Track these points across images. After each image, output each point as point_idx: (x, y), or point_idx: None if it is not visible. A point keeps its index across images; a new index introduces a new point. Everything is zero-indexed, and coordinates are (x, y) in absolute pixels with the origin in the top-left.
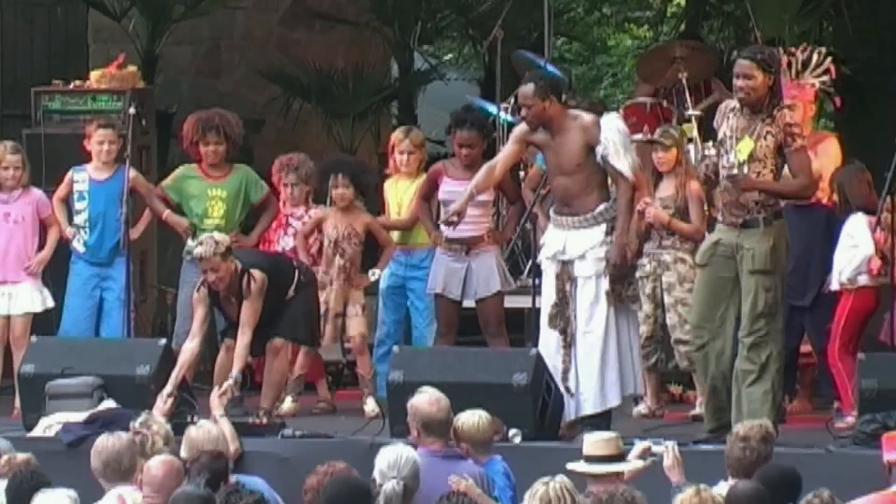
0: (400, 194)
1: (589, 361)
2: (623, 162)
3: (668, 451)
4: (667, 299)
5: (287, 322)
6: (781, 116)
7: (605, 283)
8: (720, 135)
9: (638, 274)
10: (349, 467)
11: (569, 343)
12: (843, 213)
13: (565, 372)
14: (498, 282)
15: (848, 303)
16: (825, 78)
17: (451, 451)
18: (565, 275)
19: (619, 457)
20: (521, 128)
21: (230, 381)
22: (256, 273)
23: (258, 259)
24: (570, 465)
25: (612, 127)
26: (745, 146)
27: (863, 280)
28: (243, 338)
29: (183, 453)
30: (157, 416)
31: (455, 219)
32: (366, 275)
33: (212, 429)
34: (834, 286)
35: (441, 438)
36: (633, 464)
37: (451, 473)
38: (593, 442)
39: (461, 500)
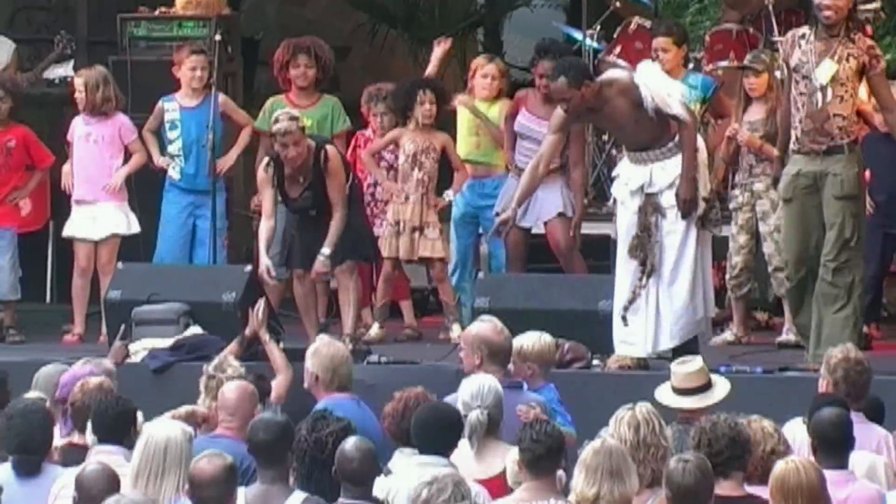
0: (473, 125)
1: (673, 293)
2: (674, 106)
3: None
4: (762, 227)
5: (349, 242)
6: (860, 39)
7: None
8: (793, 62)
9: (731, 205)
10: (426, 392)
11: (646, 274)
12: None
13: (630, 301)
14: (560, 204)
15: None
16: (875, 5)
17: (513, 380)
18: (650, 206)
19: (707, 386)
20: (559, 115)
21: (320, 261)
22: (331, 149)
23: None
24: (660, 398)
25: (647, 77)
26: (828, 69)
27: None
28: (337, 213)
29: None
30: (231, 360)
31: (503, 228)
32: (441, 197)
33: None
34: None
35: (503, 368)
36: (719, 393)
37: (516, 403)
38: (683, 374)
39: (544, 428)
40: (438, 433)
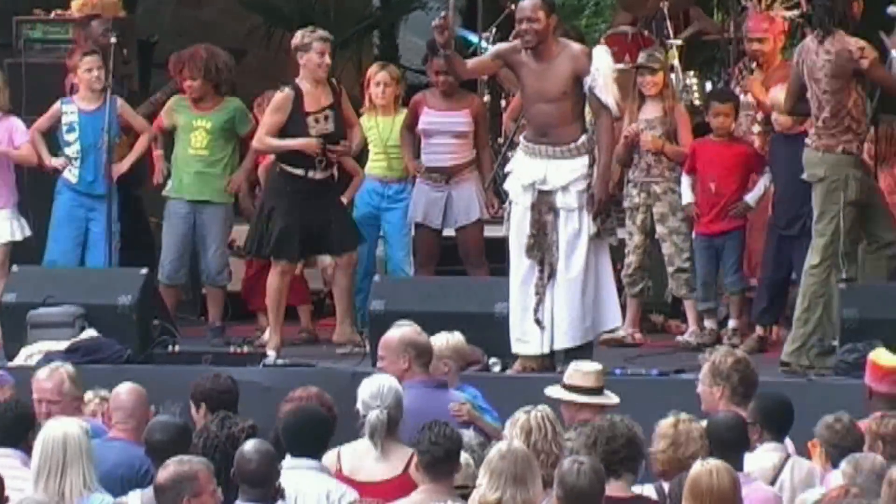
0: (385, 133)
1: (569, 294)
2: (610, 96)
3: None
4: (660, 229)
5: (345, 232)
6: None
7: (587, 217)
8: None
9: (626, 204)
10: (322, 392)
11: (546, 275)
12: None
13: (538, 304)
14: (478, 210)
15: None
16: (796, 11)
17: (438, 380)
18: (544, 205)
19: (600, 391)
20: (503, 45)
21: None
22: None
23: None
24: (549, 391)
25: (603, 60)
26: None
27: None
28: (354, 130)
29: None
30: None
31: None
32: None
33: None
34: None
35: (427, 368)
36: (611, 398)
37: (444, 402)
38: (576, 372)
39: (443, 430)
40: (306, 435)
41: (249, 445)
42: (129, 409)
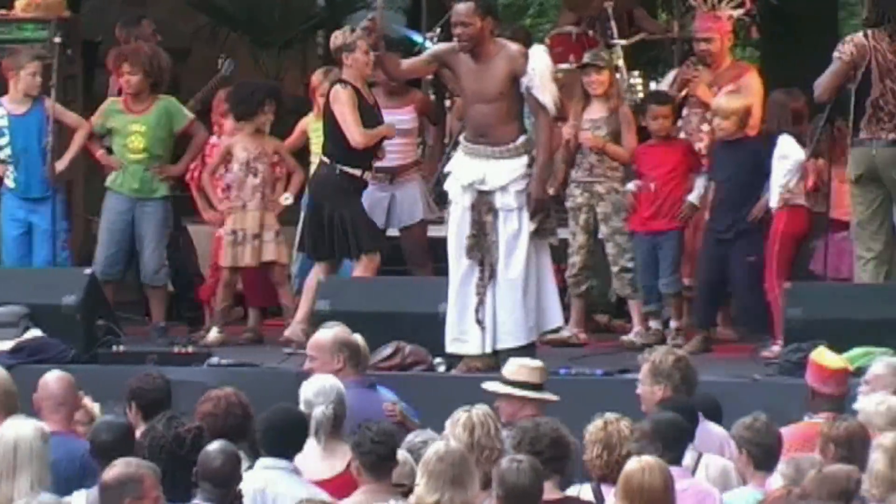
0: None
1: (510, 294)
2: (547, 95)
3: None
4: (604, 229)
5: (368, 234)
6: None
7: (527, 217)
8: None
9: (569, 204)
10: (237, 391)
11: (486, 275)
12: (773, 138)
13: (479, 304)
14: (422, 210)
15: (781, 225)
16: (741, 11)
17: (369, 381)
18: (483, 205)
19: (539, 387)
20: (440, 46)
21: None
22: None
23: None
24: (487, 385)
25: (540, 59)
26: None
27: (798, 200)
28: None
29: None
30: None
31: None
32: (278, 199)
33: None
34: (773, 204)
35: (357, 369)
36: (549, 395)
37: (377, 402)
38: (525, 368)
39: (383, 429)
40: (284, 435)
41: (215, 445)
42: (58, 397)
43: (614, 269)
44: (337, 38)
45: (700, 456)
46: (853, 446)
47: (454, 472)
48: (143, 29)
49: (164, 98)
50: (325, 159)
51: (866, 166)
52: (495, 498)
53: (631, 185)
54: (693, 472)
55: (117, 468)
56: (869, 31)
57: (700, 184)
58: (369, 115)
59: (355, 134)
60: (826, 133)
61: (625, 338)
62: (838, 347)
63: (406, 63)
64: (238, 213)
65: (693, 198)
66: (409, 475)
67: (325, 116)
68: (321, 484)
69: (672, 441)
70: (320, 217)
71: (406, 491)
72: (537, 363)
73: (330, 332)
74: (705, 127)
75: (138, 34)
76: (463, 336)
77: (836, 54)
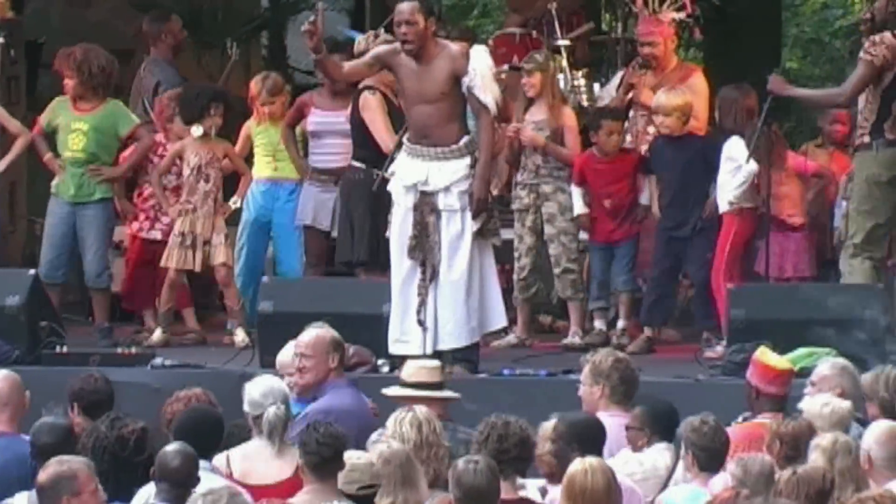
0: (275, 137)
1: (452, 295)
2: (488, 95)
3: None
4: (548, 230)
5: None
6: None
7: (469, 218)
8: None
9: (516, 206)
10: (207, 392)
11: (428, 276)
12: (722, 137)
13: (420, 305)
14: None
15: (732, 227)
16: (682, 14)
17: (350, 381)
18: (426, 206)
19: (440, 386)
20: (381, 48)
21: None
22: None
23: None
24: (386, 391)
25: (481, 59)
26: None
27: (747, 203)
28: None
29: None
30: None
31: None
32: (227, 203)
33: None
34: (722, 208)
35: (342, 370)
36: (448, 394)
37: (364, 402)
38: (424, 369)
39: (329, 430)
40: (199, 435)
41: (174, 446)
42: (3, 397)
43: (556, 269)
44: (360, 43)
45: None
46: (799, 445)
47: (403, 472)
48: (172, 24)
49: (111, 101)
50: (358, 164)
51: None
52: (453, 499)
53: (580, 207)
54: (670, 474)
55: (50, 468)
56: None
57: (647, 185)
58: (399, 120)
59: (387, 139)
60: (764, 136)
61: (566, 340)
62: (781, 348)
63: (348, 66)
64: (188, 216)
65: (644, 199)
66: (376, 476)
67: (355, 122)
68: (272, 488)
69: (588, 442)
70: (351, 221)
71: (372, 493)
72: (434, 363)
73: (325, 332)
74: (651, 129)
75: (167, 30)
76: (405, 337)
77: (866, 57)
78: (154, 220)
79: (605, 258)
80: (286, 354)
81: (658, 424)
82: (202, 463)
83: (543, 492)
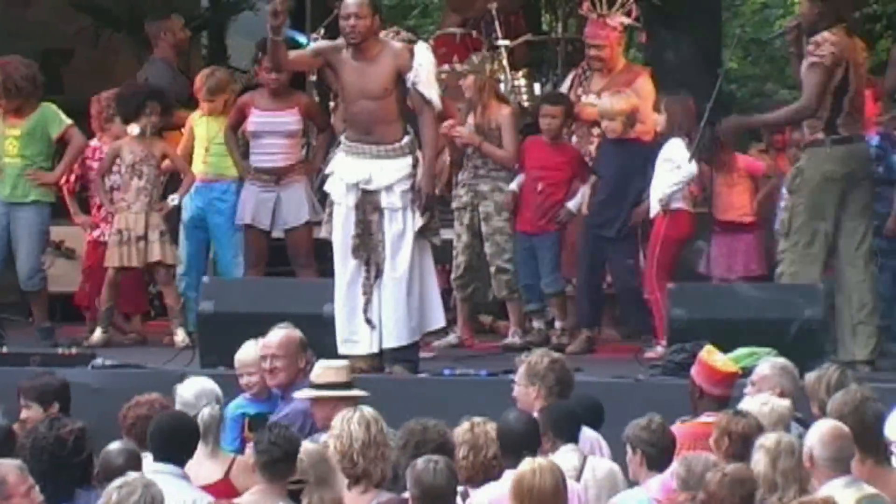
0: (212, 134)
1: (395, 293)
2: (433, 91)
3: None
4: (484, 229)
5: None
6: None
7: (411, 216)
8: None
9: (455, 205)
10: (162, 397)
11: (373, 274)
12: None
13: (367, 303)
14: (307, 212)
15: (662, 228)
16: (630, 18)
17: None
18: (368, 205)
19: (349, 385)
20: (324, 43)
21: None
22: None
23: None
24: (297, 394)
25: (424, 55)
26: None
27: (679, 203)
28: None
29: None
30: None
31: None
32: (164, 201)
33: None
34: (653, 212)
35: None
36: (358, 392)
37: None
38: (331, 370)
39: (282, 432)
40: (175, 441)
41: (116, 444)
42: None
43: (491, 269)
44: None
45: (585, 459)
46: (748, 443)
47: (317, 472)
48: (173, 23)
49: (43, 105)
50: None
51: (855, 163)
52: (411, 498)
53: (514, 185)
54: (579, 474)
55: None
56: (833, 30)
57: (582, 192)
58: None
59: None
60: (706, 138)
61: (506, 340)
62: (721, 347)
63: (293, 55)
64: (123, 213)
65: (572, 204)
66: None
67: None
68: (208, 488)
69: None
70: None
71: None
72: (342, 362)
73: (294, 333)
74: (596, 131)
75: (167, 29)
76: (353, 336)
77: (815, 60)
78: (110, 224)
79: (529, 257)
80: (247, 353)
81: (558, 428)
82: (174, 469)
83: (465, 495)
